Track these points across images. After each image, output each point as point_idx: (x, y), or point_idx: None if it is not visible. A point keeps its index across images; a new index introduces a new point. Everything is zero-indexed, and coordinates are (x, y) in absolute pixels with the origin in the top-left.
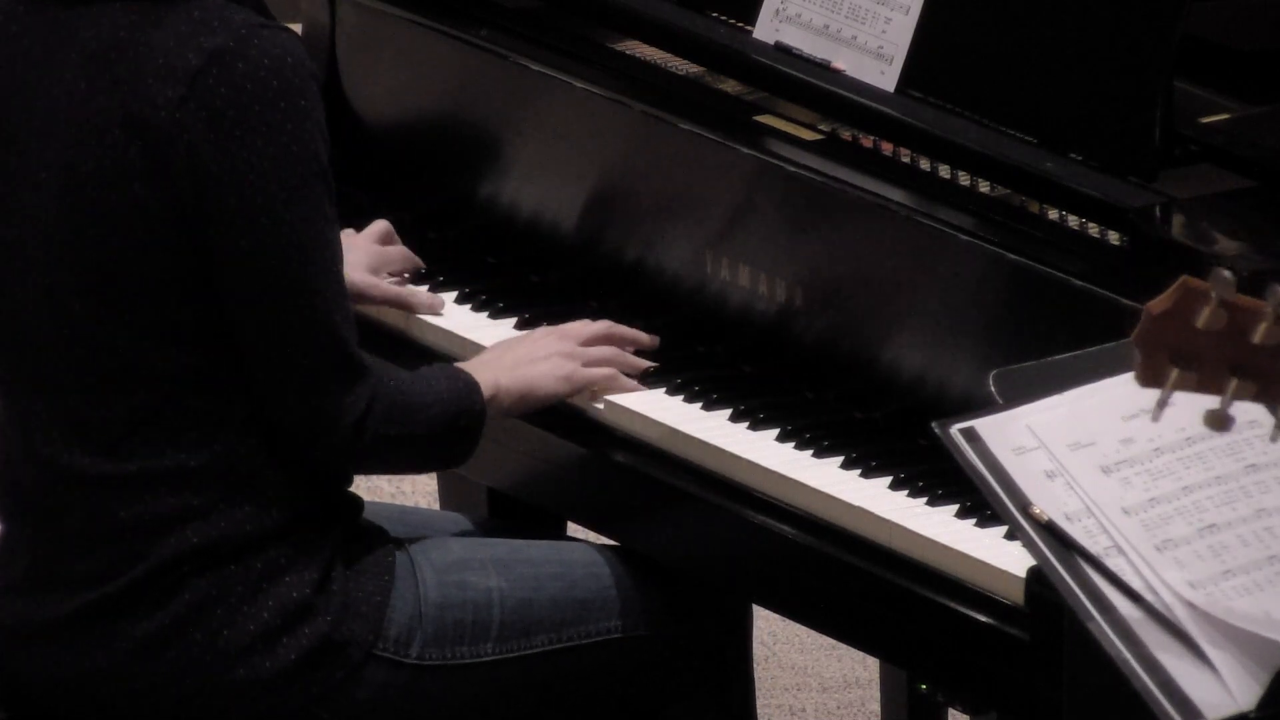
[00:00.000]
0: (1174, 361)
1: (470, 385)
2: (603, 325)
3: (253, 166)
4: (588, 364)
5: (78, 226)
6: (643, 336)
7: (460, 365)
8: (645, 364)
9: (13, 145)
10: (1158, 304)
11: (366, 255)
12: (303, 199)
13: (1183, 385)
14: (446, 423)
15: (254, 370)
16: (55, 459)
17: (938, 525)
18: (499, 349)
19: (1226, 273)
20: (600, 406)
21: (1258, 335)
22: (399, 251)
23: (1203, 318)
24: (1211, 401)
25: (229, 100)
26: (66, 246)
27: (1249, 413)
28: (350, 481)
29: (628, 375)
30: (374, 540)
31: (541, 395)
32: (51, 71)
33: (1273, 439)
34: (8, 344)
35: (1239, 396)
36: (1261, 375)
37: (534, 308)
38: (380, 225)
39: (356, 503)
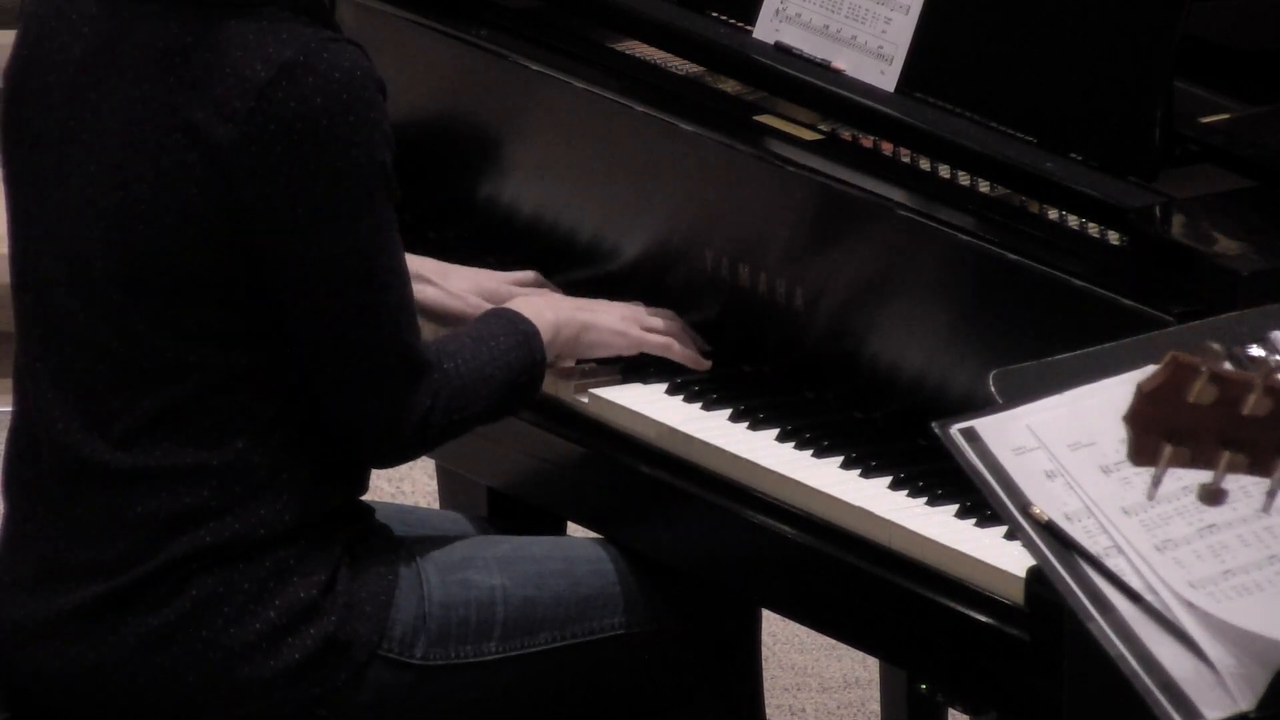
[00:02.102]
0: (1167, 438)
1: (529, 334)
2: (666, 311)
3: (320, 178)
4: (646, 329)
5: (126, 221)
6: (700, 360)
7: (519, 303)
8: (702, 345)
9: (72, 139)
10: (1148, 382)
11: (489, 280)
12: (369, 209)
13: (1176, 461)
14: (509, 384)
15: (315, 375)
16: (76, 448)
17: (938, 525)
18: (561, 295)
19: (1216, 345)
20: (599, 406)
21: (1247, 407)
22: (516, 285)
23: (1193, 392)
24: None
25: (298, 113)
26: (113, 240)
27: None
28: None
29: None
30: (379, 541)
31: (596, 339)
32: (116, 70)
33: (1264, 509)
34: (41, 330)
35: (1232, 469)
36: (1253, 447)
37: None
38: (526, 275)
39: (367, 509)
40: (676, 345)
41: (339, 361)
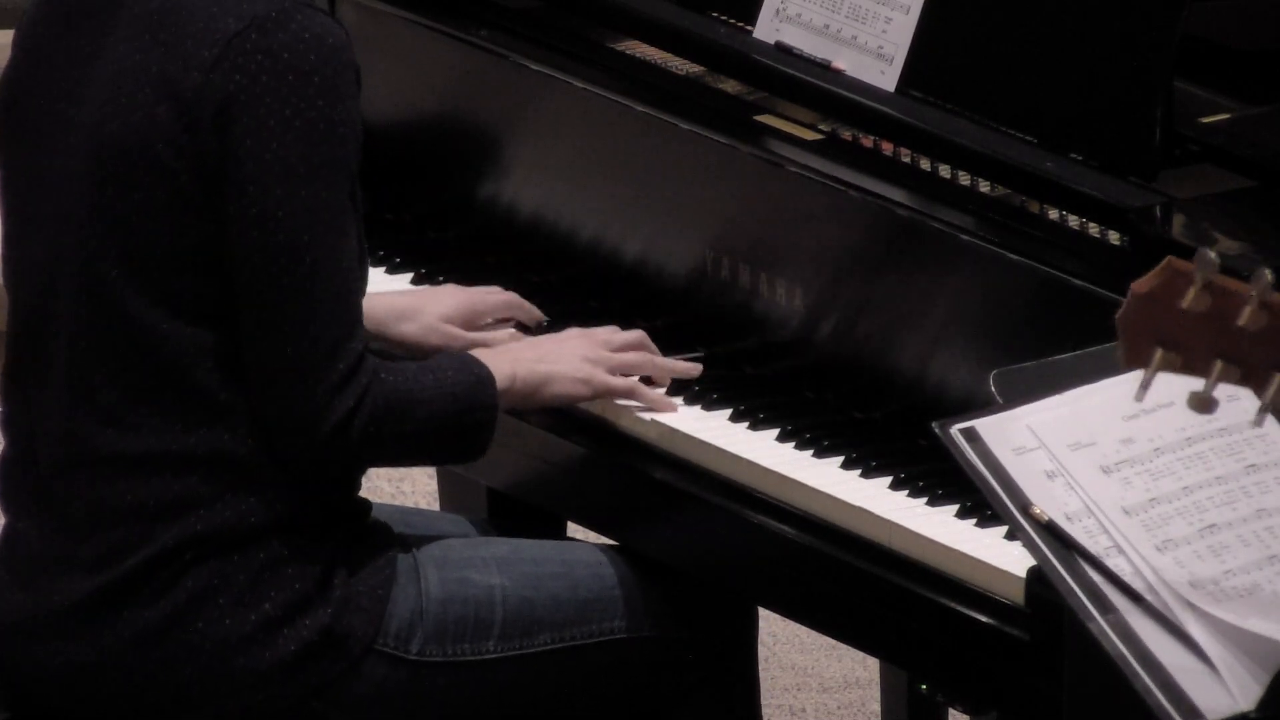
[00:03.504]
0: (1159, 343)
1: (483, 378)
2: (636, 335)
3: (277, 136)
4: (613, 371)
5: (105, 185)
6: (681, 366)
7: (479, 353)
8: (677, 366)
9: (61, 122)
10: (1142, 284)
11: (454, 302)
12: (321, 179)
13: (1167, 366)
14: (451, 418)
15: (246, 354)
16: (65, 434)
17: (938, 525)
18: (524, 343)
19: (1211, 254)
20: (600, 406)
21: (1242, 319)
22: (500, 299)
23: (1187, 299)
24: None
25: (264, 66)
26: (95, 207)
27: (1247, 412)
28: (359, 474)
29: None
30: (377, 536)
31: (556, 392)
32: (101, 39)
33: (1256, 423)
34: (33, 319)
35: (1224, 379)
36: (1246, 359)
37: None
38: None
39: (365, 505)
40: (640, 390)
41: (266, 340)
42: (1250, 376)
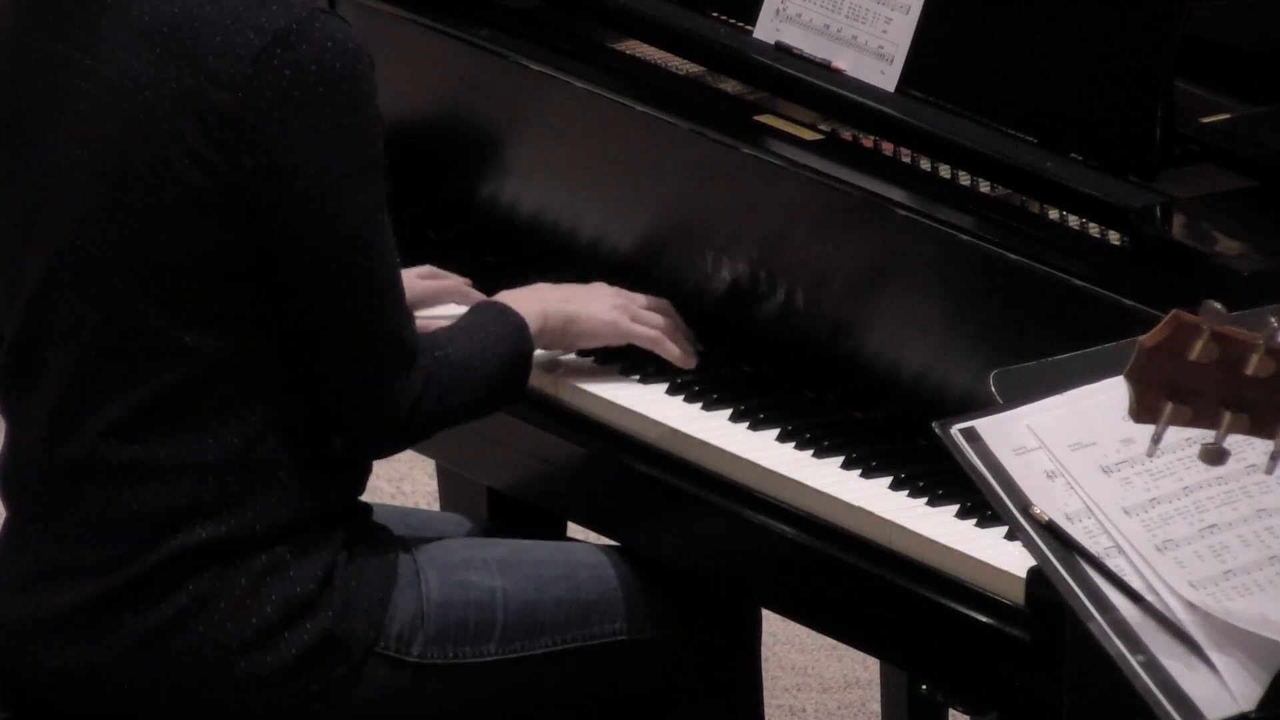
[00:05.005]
0: (1168, 396)
1: (518, 326)
2: (662, 300)
3: (318, 149)
4: (636, 320)
5: (121, 199)
6: (687, 347)
7: (508, 296)
8: (694, 343)
9: (59, 121)
10: (1150, 338)
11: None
12: (363, 185)
13: (1177, 420)
14: (500, 376)
15: (308, 358)
16: (73, 440)
17: (938, 525)
18: (550, 285)
19: (1217, 305)
20: (600, 406)
21: (1250, 367)
22: (451, 284)
23: (1195, 351)
24: (1207, 435)
25: (294, 81)
26: (108, 221)
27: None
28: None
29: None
30: (377, 539)
31: (584, 329)
32: (101, 50)
33: (1268, 471)
34: (35, 329)
35: (1233, 430)
36: (1255, 407)
37: None
38: (423, 269)
39: (365, 507)
40: (666, 340)
41: (330, 344)
42: (1259, 425)
